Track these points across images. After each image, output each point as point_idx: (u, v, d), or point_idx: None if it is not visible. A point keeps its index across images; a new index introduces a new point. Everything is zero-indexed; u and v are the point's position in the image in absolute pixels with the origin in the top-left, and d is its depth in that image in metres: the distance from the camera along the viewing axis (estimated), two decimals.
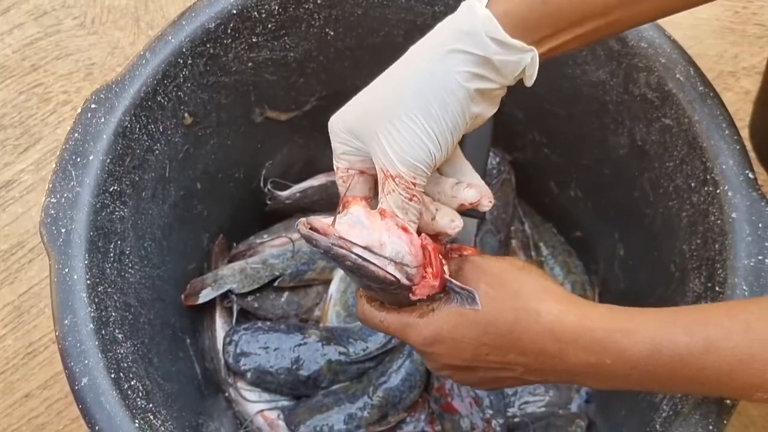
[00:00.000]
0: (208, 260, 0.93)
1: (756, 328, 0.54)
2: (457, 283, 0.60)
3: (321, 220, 0.59)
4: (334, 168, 0.64)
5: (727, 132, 0.71)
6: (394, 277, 0.58)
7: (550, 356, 0.57)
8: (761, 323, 0.54)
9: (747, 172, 0.70)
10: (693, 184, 0.74)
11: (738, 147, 0.71)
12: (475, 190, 0.63)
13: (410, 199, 0.59)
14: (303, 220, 0.59)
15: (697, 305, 0.63)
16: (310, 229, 0.58)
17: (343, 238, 0.58)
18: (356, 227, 0.58)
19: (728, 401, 0.63)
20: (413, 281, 0.59)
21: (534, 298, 0.57)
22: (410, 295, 0.60)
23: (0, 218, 1.10)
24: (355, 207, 0.59)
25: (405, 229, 0.59)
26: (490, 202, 0.64)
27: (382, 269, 0.57)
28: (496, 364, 0.60)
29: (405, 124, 0.57)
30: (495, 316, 0.58)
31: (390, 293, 0.61)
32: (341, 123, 0.61)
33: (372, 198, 0.65)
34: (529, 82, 0.59)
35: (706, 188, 0.72)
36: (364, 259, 0.57)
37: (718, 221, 0.70)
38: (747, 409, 0.97)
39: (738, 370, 0.54)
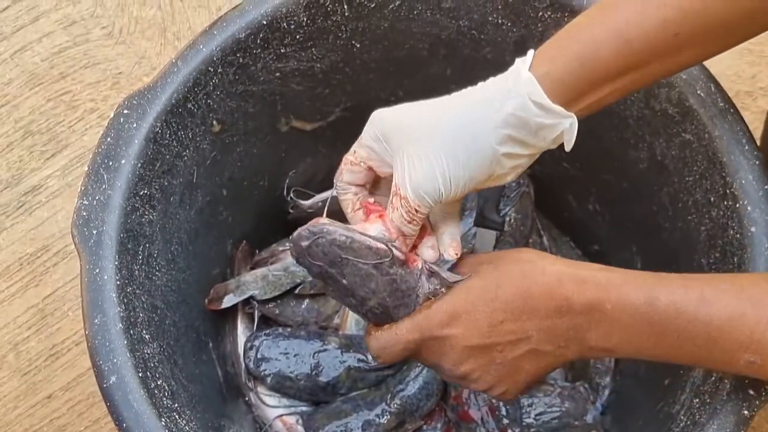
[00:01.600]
0: (231, 266, 0.95)
1: (749, 289, 0.57)
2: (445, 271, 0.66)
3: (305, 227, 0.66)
4: (351, 150, 0.68)
5: (746, 148, 0.73)
6: (386, 246, 0.64)
7: (558, 308, 0.60)
8: (755, 287, 0.58)
9: (766, 187, 0.71)
10: (712, 199, 0.75)
11: (757, 162, 0.72)
12: (433, 251, 0.67)
13: (409, 222, 0.64)
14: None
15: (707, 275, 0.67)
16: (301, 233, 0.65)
17: (332, 221, 0.65)
18: (335, 221, 0.65)
19: (745, 412, 0.64)
20: (403, 252, 0.65)
21: (537, 257, 0.63)
22: (408, 266, 0.65)
23: (26, 222, 1.12)
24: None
25: (381, 216, 0.66)
26: (456, 254, 0.67)
27: (372, 240, 0.64)
28: (512, 334, 0.62)
29: (428, 159, 0.60)
30: (502, 279, 0.62)
31: (387, 279, 0.65)
32: (382, 125, 0.64)
33: (366, 188, 0.69)
34: (568, 146, 0.63)
35: (725, 203, 0.73)
36: (355, 231, 0.64)
37: (738, 235, 0.71)
38: (761, 425, 0.98)
39: (728, 325, 0.57)
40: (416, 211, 0.62)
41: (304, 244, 0.65)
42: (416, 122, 0.62)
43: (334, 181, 0.69)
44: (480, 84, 0.63)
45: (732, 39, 0.63)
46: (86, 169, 0.74)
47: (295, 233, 0.66)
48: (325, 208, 0.69)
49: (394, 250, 0.64)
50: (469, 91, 0.63)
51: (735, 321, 0.57)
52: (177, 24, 1.23)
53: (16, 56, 1.21)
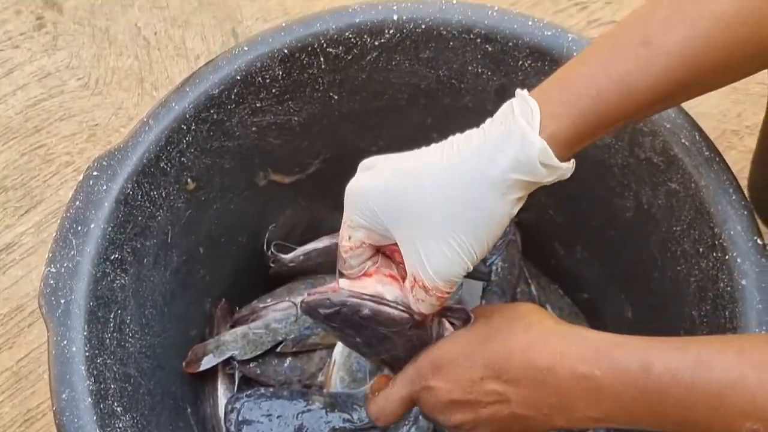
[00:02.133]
0: (210, 325, 0.92)
1: (749, 352, 0.54)
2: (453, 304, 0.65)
3: (321, 287, 0.65)
4: (343, 235, 0.64)
5: (734, 197, 0.71)
6: (408, 313, 0.62)
7: (540, 371, 0.58)
8: (755, 349, 0.54)
9: (756, 238, 0.69)
10: (701, 249, 0.73)
11: (746, 213, 0.70)
12: None
13: (440, 304, 0.61)
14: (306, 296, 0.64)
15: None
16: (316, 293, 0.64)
17: (355, 291, 0.63)
18: (355, 284, 0.64)
19: None
20: (420, 317, 0.63)
21: (528, 314, 0.61)
22: (424, 325, 0.64)
23: (0, 281, 1.09)
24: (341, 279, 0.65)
25: (393, 277, 0.64)
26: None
27: (397, 308, 0.62)
28: (491, 395, 0.60)
29: (445, 240, 0.57)
30: (489, 333, 0.61)
31: (404, 340, 0.64)
32: (367, 199, 0.60)
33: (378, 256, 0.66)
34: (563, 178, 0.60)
35: (714, 254, 0.71)
36: (380, 302, 0.62)
37: (728, 288, 0.69)
38: None
39: (729, 390, 0.53)
40: (447, 293, 0.60)
41: (324, 312, 0.64)
42: (416, 199, 0.58)
43: (339, 270, 0.66)
44: (476, 141, 0.58)
45: (732, 78, 0.61)
46: (54, 234, 0.72)
47: (312, 299, 0.64)
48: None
49: (415, 316, 0.63)
50: (464, 152, 0.58)
51: (736, 386, 0.53)
52: (155, 74, 1.21)
53: None
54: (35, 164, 1.16)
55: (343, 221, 0.64)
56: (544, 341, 0.59)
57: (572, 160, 0.59)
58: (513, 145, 0.56)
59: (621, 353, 0.57)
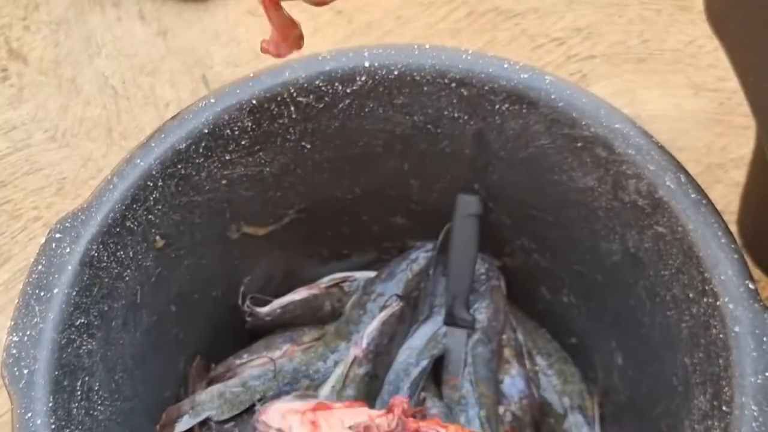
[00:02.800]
0: (185, 385, 0.89)
1: None
2: None
3: None
4: None
5: (723, 241, 0.68)
6: None
7: None
8: None
9: (747, 282, 0.67)
10: (691, 295, 0.70)
11: (736, 256, 0.68)
12: None
13: None
14: None
15: None
16: None
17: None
18: None
19: None
20: None
21: None
22: None
23: None
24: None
25: (314, 424, 0.71)
26: None
27: None
28: None
29: None
30: None
31: None
32: None
33: None
34: None
35: (705, 299, 0.69)
36: None
37: (721, 335, 0.67)
38: None
39: None
40: None
41: None
42: None
43: None
44: None
45: None
46: (16, 301, 0.68)
47: None
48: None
49: None
50: None
51: None
52: (123, 123, 1.19)
53: None
54: (2, 220, 1.12)
55: None
56: None
57: None
58: None
59: None
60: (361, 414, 0.75)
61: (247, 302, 0.92)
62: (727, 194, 1.06)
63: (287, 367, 0.90)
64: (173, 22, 1.26)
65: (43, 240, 0.71)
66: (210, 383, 0.91)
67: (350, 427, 0.73)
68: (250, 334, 0.94)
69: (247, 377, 0.89)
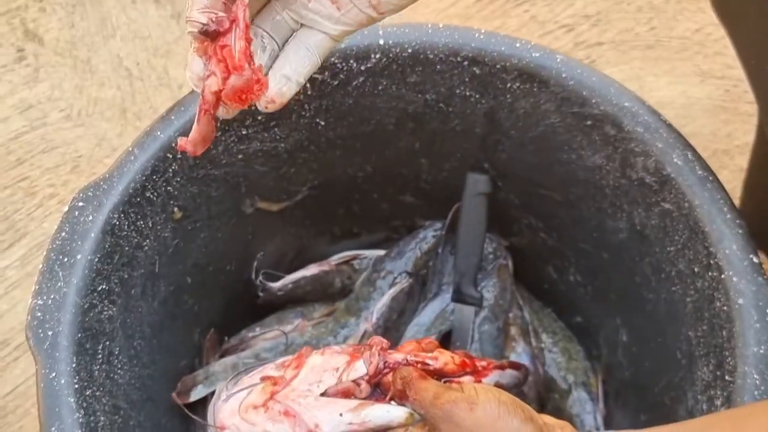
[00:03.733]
0: (199, 356, 0.91)
1: None
2: None
3: (219, 413, 0.71)
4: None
5: (729, 216, 0.70)
6: None
7: None
8: (757, 425, 0.52)
9: (751, 256, 0.69)
10: (696, 269, 0.72)
11: (741, 231, 0.70)
12: None
13: None
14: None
15: (704, 417, 0.61)
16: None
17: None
18: (242, 427, 0.68)
19: None
20: None
21: None
22: None
23: None
24: (244, 404, 0.69)
25: (286, 413, 0.65)
26: None
27: None
28: None
29: None
30: None
31: None
32: None
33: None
34: None
35: (710, 273, 0.70)
36: None
37: (725, 308, 0.68)
38: None
39: None
40: None
41: None
42: None
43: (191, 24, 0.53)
44: None
45: None
46: (40, 266, 0.70)
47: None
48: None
49: None
50: None
51: None
52: (137, 104, 1.21)
53: None
54: (18, 197, 1.14)
55: None
56: None
57: None
58: None
59: None
60: (333, 362, 0.68)
61: (260, 277, 0.94)
62: (732, 179, 1.08)
63: (298, 340, 0.92)
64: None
65: (65, 209, 0.73)
66: (223, 355, 0.93)
67: (324, 394, 0.66)
68: (262, 309, 0.96)
69: (260, 349, 0.91)
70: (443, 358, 0.67)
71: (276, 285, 0.94)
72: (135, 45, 1.25)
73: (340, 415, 0.63)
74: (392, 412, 0.61)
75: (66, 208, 0.73)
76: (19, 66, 1.24)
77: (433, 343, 0.70)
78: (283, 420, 0.65)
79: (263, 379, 0.71)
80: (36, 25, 1.27)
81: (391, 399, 0.62)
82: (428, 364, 0.65)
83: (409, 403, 0.59)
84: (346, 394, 0.65)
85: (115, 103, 1.21)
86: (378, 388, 0.65)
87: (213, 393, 0.88)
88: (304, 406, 0.65)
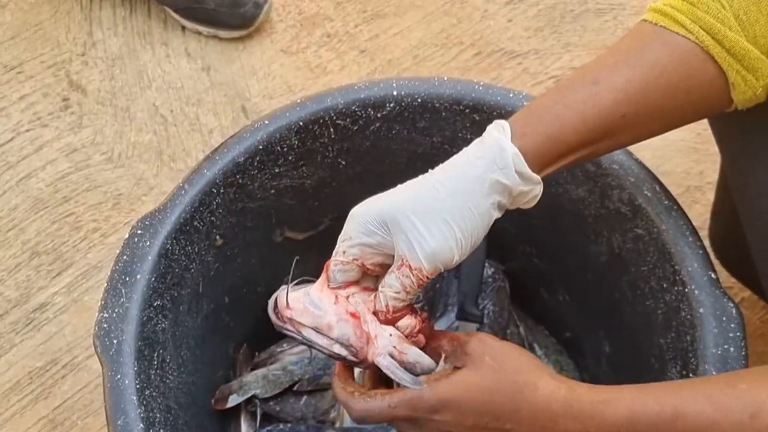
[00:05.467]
0: (233, 368, 1.02)
1: (717, 398, 0.63)
2: None
3: (283, 299, 0.72)
4: (338, 251, 0.72)
5: (690, 239, 0.82)
6: (339, 355, 0.70)
7: (542, 426, 0.66)
8: (720, 394, 0.64)
9: (710, 273, 0.81)
10: (665, 285, 0.84)
11: (701, 252, 0.82)
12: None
13: (417, 287, 0.70)
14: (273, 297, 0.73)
15: (668, 381, 0.73)
16: (274, 307, 0.72)
17: (294, 320, 0.71)
18: (308, 310, 0.71)
19: None
20: (359, 357, 0.70)
21: (533, 374, 0.67)
22: (363, 365, 0.71)
23: (34, 338, 1.19)
24: (313, 291, 0.72)
25: (353, 315, 0.70)
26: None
27: (327, 349, 0.70)
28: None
29: (438, 229, 0.67)
30: (498, 386, 0.67)
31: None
32: (373, 214, 0.70)
33: (358, 285, 0.74)
34: (530, 205, 0.72)
35: (676, 288, 0.82)
36: (310, 341, 0.70)
37: (689, 316, 0.80)
38: None
39: None
40: (427, 278, 0.68)
41: (275, 322, 0.74)
42: (417, 201, 0.69)
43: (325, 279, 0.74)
44: (461, 155, 0.70)
45: (669, 123, 0.74)
46: (105, 285, 0.82)
47: (271, 307, 0.74)
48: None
49: (350, 357, 0.70)
50: (452, 164, 0.70)
51: (710, 430, 0.63)
52: (172, 147, 1.33)
53: (22, 183, 1.31)
54: (65, 231, 1.26)
55: (340, 239, 0.73)
56: (548, 403, 0.66)
57: (541, 183, 0.70)
58: (491, 152, 0.68)
59: (610, 412, 0.65)
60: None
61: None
62: (704, 213, 1.20)
63: (321, 354, 1.03)
64: (216, 59, 1.41)
65: (107, 241, 0.85)
66: (254, 368, 1.04)
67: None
68: None
69: (287, 362, 1.03)
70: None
71: None
72: (169, 95, 1.38)
73: (390, 335, 0.71)
74: (423, 358, 0.71)
75: (109, 239, 0.84)
76: (64, 114, 1.37)
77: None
78: (348, 319, 0.70)
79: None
80: (79, 76, 1.40)
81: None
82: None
83: (447, 340, 0.71)
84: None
85: (152, 147, 1.33)
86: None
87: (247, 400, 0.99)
88: (369, 315, 0.72)
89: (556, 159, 0.71)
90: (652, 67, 0.70)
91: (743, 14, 0.68)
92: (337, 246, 0.73)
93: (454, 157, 0.71)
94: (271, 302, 0.73)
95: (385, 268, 0.72)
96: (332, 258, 0.73)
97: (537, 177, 0.69)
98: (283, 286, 0.73)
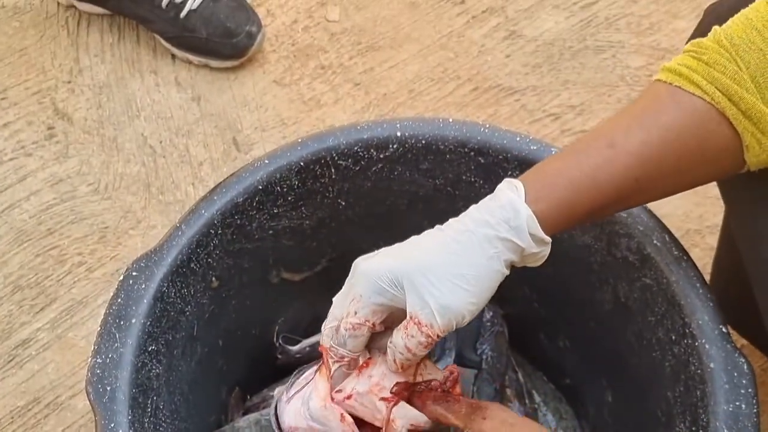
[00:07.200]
0: (225, 412, 0.99)
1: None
2: None
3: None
4: (349, 311, 0.72)
5: (701, 291, 0.81)
6: None
7: None
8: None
9: (721, 326, 0.79)
10: (673, 337, 0.82)
11: (712, 304, 0.80)
12: None
13: (425, 347, 0.69)
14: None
15: None
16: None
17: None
18: (314, 429, 0.76)
19: None
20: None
21: None
22: None
23: (17, 375, 1.15)
24: (314, 404, 0.76)
25: (361, 422, 0.73)
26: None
27: None
28: None
29: (451, 286, 0.67)
30: None
31: None
32: (386, 271, 0.70)
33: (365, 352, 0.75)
34: (538, 264, 0.72)
35: (685, 341, 0.80)
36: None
37: (698, 371, 0.78)
38: None
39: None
40: (438, 336, 0.68)
41: None
42: (431, 259, 0.68)
43: (334, 348, 0.75)
44: (474, 212, 0.70)
45: (681, 185, 0.73)
46: (98, 329, 0.79)
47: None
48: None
49: None
50: (465, 222, 0.70)
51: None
52: (160, 179, 1.31)
53: (5, 214, 1.27)
54: (49, 264, 1.23)
55: (349, 298, 0.72)
56: None
57: (549, 245, 0.70)
58: (504, 213, 0.68)
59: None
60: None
61: (280, 340, 1.03)
62: (703, 257, 1.19)
63: None
64: (206, 89, 1.39)
65: (121, 277, 0.82)
66: (246, 411, 1.01)
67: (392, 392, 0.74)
68: (281, 370, 1.05)
69: None
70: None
71: (294, 348, 1.03)
72: (158, 125, 1.35)
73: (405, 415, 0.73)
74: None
75: (95, 273, 0.81)
76: (49, 143, 1.33)
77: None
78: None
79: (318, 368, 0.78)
80: (65, 104, 1.37)
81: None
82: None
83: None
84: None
85: (140, 179, 1.30)
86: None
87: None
88: (378, 402, 0.73)
89: (567, 223, 0.70)
90: (668, 129, 0.69)
91: (760, 76, 0.67)
92: (347, 307, 0.72)
93: (467, 213, 0.71)
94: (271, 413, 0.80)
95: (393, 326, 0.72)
96: (342, 322, 0.72)
97: (548, 239, 0.69)
98: (281, 396, 0.80)
